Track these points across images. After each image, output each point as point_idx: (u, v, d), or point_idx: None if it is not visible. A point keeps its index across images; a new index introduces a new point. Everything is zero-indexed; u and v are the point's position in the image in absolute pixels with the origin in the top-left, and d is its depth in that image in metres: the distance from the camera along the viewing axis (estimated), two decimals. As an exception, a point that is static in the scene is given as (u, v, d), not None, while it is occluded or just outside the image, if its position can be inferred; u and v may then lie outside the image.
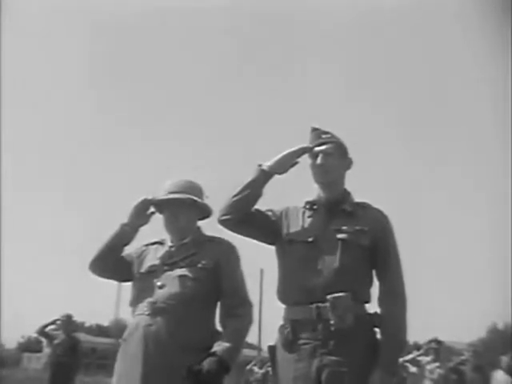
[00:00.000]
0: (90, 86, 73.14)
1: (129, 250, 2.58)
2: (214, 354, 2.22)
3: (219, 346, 2.24)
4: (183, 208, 2.45)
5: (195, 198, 2.46)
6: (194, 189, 2.50)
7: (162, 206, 2.51)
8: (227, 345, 2.25)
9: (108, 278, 2.64)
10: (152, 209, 2.56)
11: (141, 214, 2.54)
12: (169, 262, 2.42)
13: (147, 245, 2.58)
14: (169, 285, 2.35)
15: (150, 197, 2.52)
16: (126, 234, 2.53)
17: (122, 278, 2.62)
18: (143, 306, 2.34)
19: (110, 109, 72.18)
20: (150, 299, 2.33)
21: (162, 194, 2.50)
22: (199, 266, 2.38)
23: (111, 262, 2.53)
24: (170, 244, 2.49)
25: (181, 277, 2.36)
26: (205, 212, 2.54)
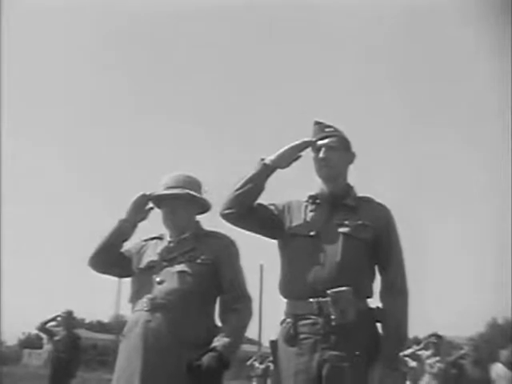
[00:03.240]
0: (90, 85, 73.11)
1: (128, 246, 2.57)
2: (213, 349, 2.20)
3: (219, 342, 2.23)
4: (181, 203, 2.44)
5: (193, 193, 2.44)
6: (191, 183, 2.49)
7: (160, 201, 2.50)
8: (227, 340, 2.24)
9: (107, 273, 2.63)
10: (150, 204, 2.55)
11: (139, 210, 2.53)
12: (168, 258, 2.41)
13: (146, 240, 2.57)
14: (168, 280, 2.34)
15: (148, 192, 2.51)
16: (124, 230, 2.52)
17: (122, 274, 2.62)
18: (142, 302, 2.33)
19: (110, 106, 72.17)
20: (149, 295, 2.32)
21: (160, 189, 2.48)
22: (198, 261, 2.37)
23: (110, 257, 2.52)
24: (168, 239, 2.48)
25: (180, 272, 2.35)
26: (203, 206, 2.53)
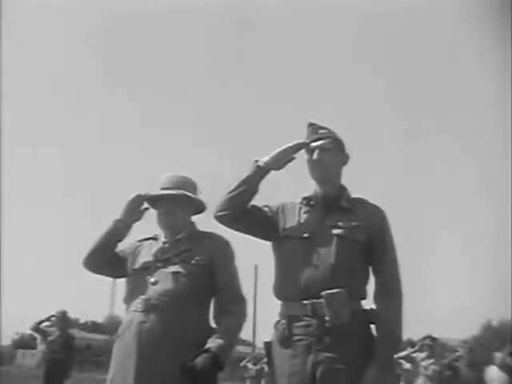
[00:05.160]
0: (89, 85, 73.06)
1: (123, 246, 2.57)
2: (207, 350, 2.20)
3: (213, 343, 2.23)
4: (176, 204, 2.44)
5: (188, 194, 2.45)
6: (187, 184, 2.49)
7: (155, 201, 2.50)
8: (221, 341, 2.24)
9: (102, 274, 2.62)
10: (145, 205, 2.55)
11: (134, 210, 2.53)
12: (162, 258, 2.40)
13: (141, 241, 2.57)
14: (162, 281, 2.34)
15: (143, 193, 2.51)
16: (119, 231, 2.52)
17: (116, 274, 2.61)
18: (137, 303, 2.33)
19: (108, 107, 72.13)
20: (143, 296, 2.32)
21: (155, 190, 2.48)
22: (193, 262, 2.37)
23: (105, 258, 2.51)
24: (163, 240, 2.48)
25: (174, 273, 2.34)
26: (198, 207, 2.53)
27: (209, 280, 2.37)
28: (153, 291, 2.32)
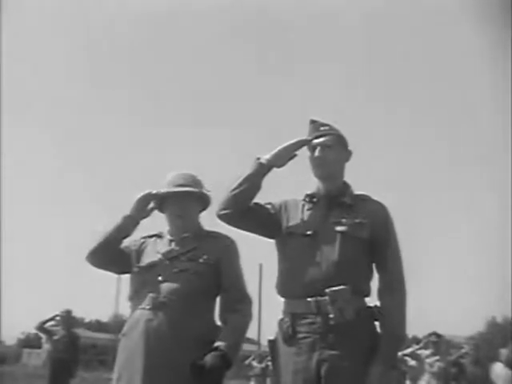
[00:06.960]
0: (89, 86, 73.13)
1: (127, 243, 2.55)
2: (216, 349, 2.21)
3: (221, 342, 2.23)
4: (191, 201, 2.45)
5: (205, 191, 2.46)
6: (196, 182, 2.49)
7: (166, 199, 2.48)
8: (229, 340, 2.25)
9: (105, 269, 2.60)
10: (152, 203, 2.54)
11: (143, 207, 2.52)
12: (170, 256, 2.40)
13: (145, 237, 2.57)
14: (170, 279, 2.33)
15: (154, 190, 2.49)
16: (126, 226, 2.50)
17: (120, 270, 2.60)
18: (144, 301, 2.32)
19: (108, 108, 72.18)
20: (150, 294, 2.32)
21: (165, 188, 2.46)
22: (200, 260, 2.37)
23: (109, 253, 2.49)
24: (169, 237, 2.48)
25: (182, 271, 2.34)
26: (205, 205, 2.53)
27: (215, 279, 2.37)
28: (160, 289, 2.32)
